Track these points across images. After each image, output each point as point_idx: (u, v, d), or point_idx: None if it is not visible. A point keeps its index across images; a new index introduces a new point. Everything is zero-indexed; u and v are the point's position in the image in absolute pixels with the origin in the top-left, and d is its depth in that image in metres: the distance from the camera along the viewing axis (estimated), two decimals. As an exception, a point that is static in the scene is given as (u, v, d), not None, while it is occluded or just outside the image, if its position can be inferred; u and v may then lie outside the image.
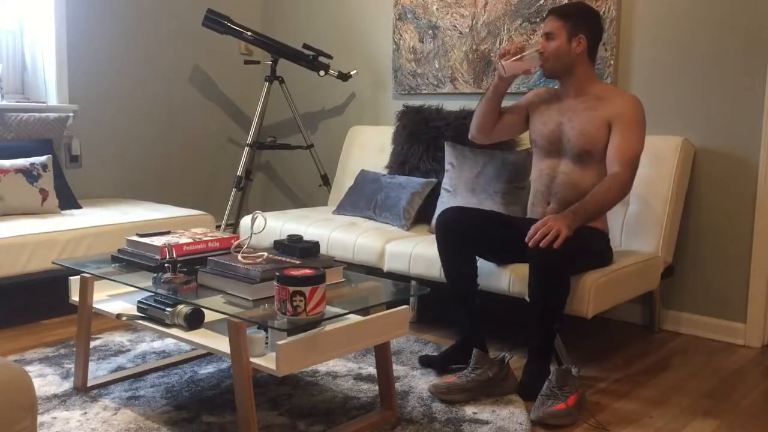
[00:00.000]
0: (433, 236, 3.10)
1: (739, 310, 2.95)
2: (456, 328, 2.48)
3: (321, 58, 4.02)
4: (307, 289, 1.73)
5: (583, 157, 2.53)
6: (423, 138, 3.51)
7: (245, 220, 3.43)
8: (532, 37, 3.36)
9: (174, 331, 2.02)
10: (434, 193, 3.32)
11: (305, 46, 4.03)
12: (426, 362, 2.55)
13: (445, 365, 2.51)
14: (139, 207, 3.67)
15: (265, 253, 2.10)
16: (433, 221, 3.23)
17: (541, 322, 2.34)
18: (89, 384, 2.32)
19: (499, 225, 2.58)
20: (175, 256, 2.18)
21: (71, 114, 3.78)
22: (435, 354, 2.61)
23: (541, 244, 2.24)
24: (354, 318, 1.96)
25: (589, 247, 2.50)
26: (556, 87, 2.73)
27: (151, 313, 2.09)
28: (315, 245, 2.17)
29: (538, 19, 3.40)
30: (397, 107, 3.78)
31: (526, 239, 2.29)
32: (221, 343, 1.90)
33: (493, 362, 2.33)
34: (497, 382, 2.32)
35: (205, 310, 2.01)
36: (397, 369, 2.52)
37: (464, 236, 2.50)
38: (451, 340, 2.88)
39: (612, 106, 2.51)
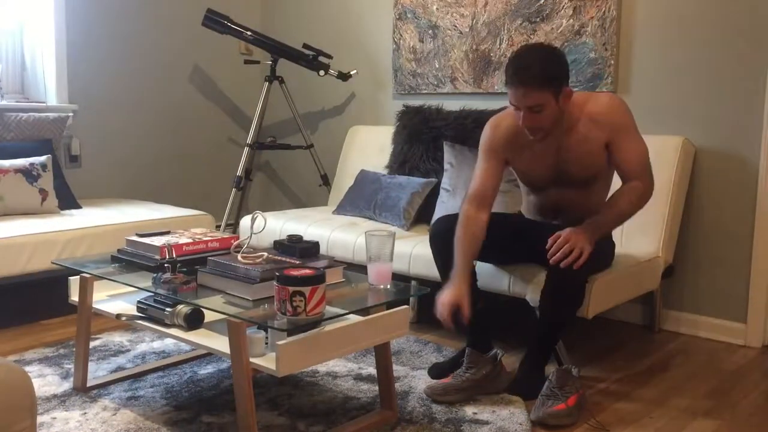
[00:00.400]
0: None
1: (739, 310, 2.95)
2: (461, 330, 2.45)
3: (321, 58, 4.02)
4: (307, 289, 1.73)
5: (589, 182, 2.41)
6: (423, 138, 3.51)
7: (245, 220, 3.43)
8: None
9: (174, 331, 2.01)
10: (434, 193, 3.32)
11: (305, 46, 4.02)
12: (437, 374, 2.44)
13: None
14: (138, 207, 3.67)
15: (265, 253, 2.10)
16: (433, 221, 3.23)
17: (548, 330, 2.35)
18: (89, 384, 2.32)
19: (497, 227, 2.43)
20: (174, 256, 2.18)
21: (71, 114, 3.78)
22: (441, 360, 2.56)
23: (562, 264, 2.16)
24: (354, 318, 1.96)
25: (600, 255, 2.44)
26: (516, 123, 2.32)
27: (151, 313, 2.08)
28: (315, 245, 2.16)
29: (538, 19, 3.39)
30: (397, 107, 3.78)
31: (548, 255, 2.19)
32: (221, 343, 1.89)
33: (486, 360, 2.33)
34: (491, 379, 2.32)
35: (204, 310, 2.01)
36: (397, 369, 2.51)
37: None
38: (451, 339, 2.88)
39: (601, 126, 2.29)
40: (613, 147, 2.32)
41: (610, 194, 2.45)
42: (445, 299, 2.21)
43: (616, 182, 2.39)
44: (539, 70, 2.16)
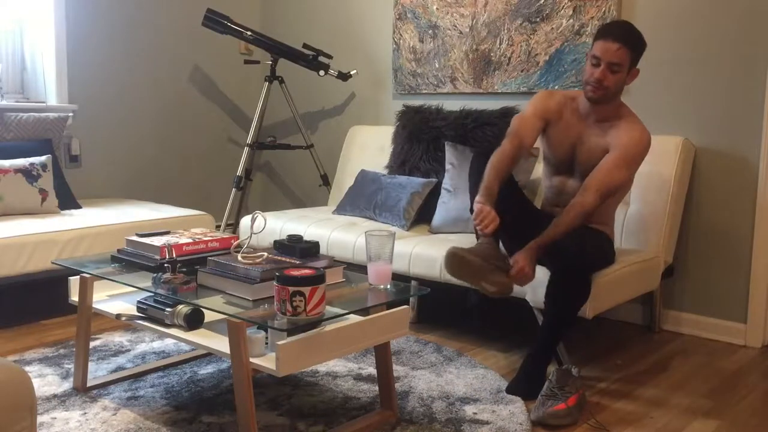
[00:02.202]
0: (433, 236, 3.12)
1: (739, 310, 2.95)
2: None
3: (321, 58, 4.02)
4: (306, 289, 1.73)
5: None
6: (423, 138, 3.51)
7: (245, 220, 3.43)
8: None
9: (174, 331, 2.01)
10: (434, 193, 3.32)
11: (305, 46, 4.02)
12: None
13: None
14: (138, 207, 3.67)
15: (265, 253, 2.10)
16: (434, 221, 3.23)
17: (552, 329, 2.36)
18: (89, 384, 2.32)
19: (517, 206, 2.54)
20: (174, 256, 2.18)
21: (71, 114, 3.78)
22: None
23: (518, 285, 2.35)
24: (354, 318, 1.96)
25: (600, 254, 2.51)
26: (568, 95, 2.61)
27: (151, 313, 2.08)
28: (315, 245, 2.16)
29: (538, 19, 3.39)
30: (397, 107, 3.78)
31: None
32: (221, 343, 1.89)
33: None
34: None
35: (204, 310, 2.01)
36: (397, 369, 2.51)
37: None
38: (450, 340, 2.88)
39: (617, 136, 2.45)
40: (608, 155, 2.44)
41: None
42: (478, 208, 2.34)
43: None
44: (637, 39, 2.43)
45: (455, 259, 2.34)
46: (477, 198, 2.38)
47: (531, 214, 2.59)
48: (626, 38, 2.39)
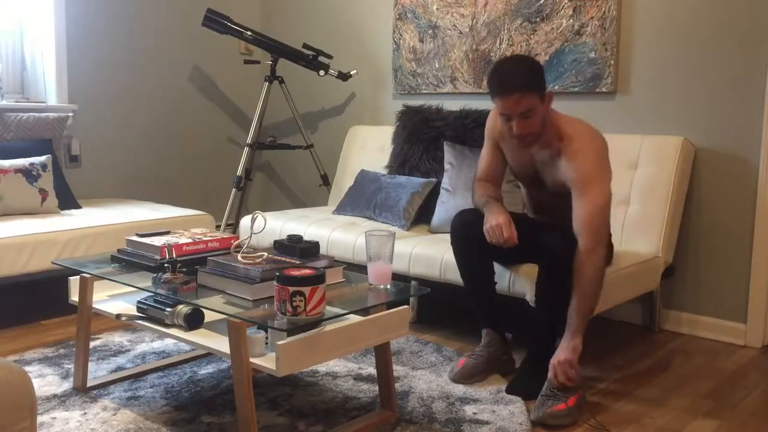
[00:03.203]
0: (433, 236, 3.11)
1: (739, 310, 2.95)
2: (477, 323, 2.56)
3: (321, 58, 4.02)
4: (306, 289, 1.73)
5: (565, 196, 2.38)
6: (423, 138, 3.52)
7: (245, 220, 3.43)
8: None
9: (174, 331, 2.01)
10: (434, 193, 3.32)
11: (305, 46, 4.02)
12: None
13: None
14: (138, 207, 3.67)
15: (265, 253, 2.10)
16: (433, 221, 3.23)
17: (547, 325, 2.35)
18: (89, 384, 2.32)
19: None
20: (174, 256, 2.18)
21: (71, 114, 3.78)
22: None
23: (567, 383, 2.20)
24: (354, 318, 1.96)
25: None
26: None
27: (151, 313, 2.08)
28: (315, 245, 2.16)
29: (538, 19, 3.39)
30: (397, 107, 3.78)
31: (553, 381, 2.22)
32: (221, 343, 1.90)
33: (500, 341, 2.51)
34: (504, 360, 2.51)
35: (204, 310, 2.01)
36: (397, 369, 2.51)
37: (481, 239, 2.39)
38: (450, 340, 2.88)
39: (569, 158, 2.30)
40: (573, 193, 2.29)
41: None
42: (495, 221, 2.30)
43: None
44: (528, 75, 2.25)
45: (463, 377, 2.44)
46: (492, 219, 2.31)
47: (520, 222, 2.56)
48: (520, 83, 2.23)
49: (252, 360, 1.79)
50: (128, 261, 2.27)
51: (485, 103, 3.54)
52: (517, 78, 2.24)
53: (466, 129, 3.39)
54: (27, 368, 2.48)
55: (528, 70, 2.27)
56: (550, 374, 2.22)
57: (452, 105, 3.62)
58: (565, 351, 2.21)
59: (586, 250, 2.22)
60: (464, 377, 2.42)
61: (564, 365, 2.19)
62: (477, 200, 2.50)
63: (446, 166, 3.30)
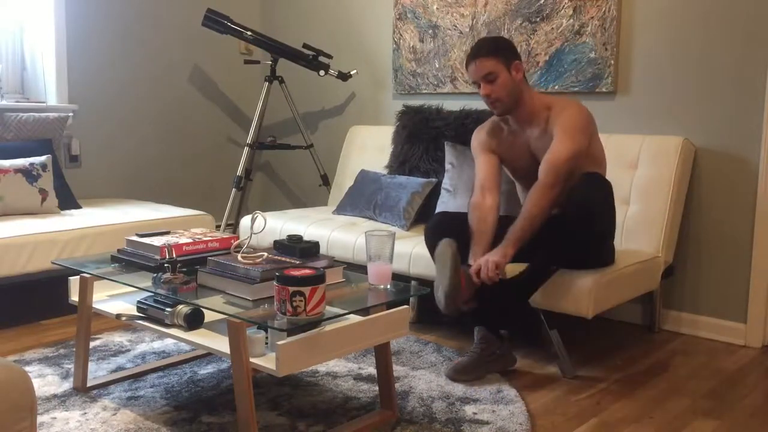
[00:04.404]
0: (433, 236, 3.12)
1: (739, 310, 2.95)
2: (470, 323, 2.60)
3: (321, 58, 4.02)
4: (306, 289, 1.73)
5: None
6: (423, 138, 3.51)
7: (245, 220, 3.43)
8: None
9: (174, 331, 2.01)
10: (434, 193, 3.32)
11: (305, 46, 4.02)
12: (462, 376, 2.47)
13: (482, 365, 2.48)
14: (138, 207, 3.67)
15: (265, 253, 2.10)
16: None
17: (534, 275, 2.44)
18: (89, 384, 2.32)
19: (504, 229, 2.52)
20: (174, 256, 2.18)
21: (71, 114, 3.78)
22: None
23: (487, 282, 2.35)
24: (354, 318, 1.96)
25: (606, 206, 2.51)
26: (494, 119, 2.68)
27: (151, 313, 2.08)
28: (315, 245, 2.16)
29: (538, 19, 3.39)
30: (397, 107, 3.78)
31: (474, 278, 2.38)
32: (221, 343, 1.90)
33: (494, 339, 2.51)
34: (502, 357, 2.52)
35: (204, 310, 2.01)
36: (397, 369, 2.52)
37: (459, 237, 2.44)
38: (450, 340, 2.88)
39: (554, 122, 2.49)
40: (554, 139, 2.47)
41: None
42: (490, 258, 2.36)
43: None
44: (491, 44, 2.53)
45: (456, 372, 2.46)
46: (485, 257, 2.39)
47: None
48: (480, 50, 2.49)
49: (252, 360, 1.79)
50: (128, 261, 2.27)
51: (485, 103, 3.54)
52: (483, 45, 2.52)
53: (466, 129, 3.38)
54: (27, 368, 2.48)
55: (492, 41, 2.56)
56: (473, 269, 2.36)
57: (452, 105, 3.62)
58: (496, 254, 2.36)
59: (545, 184, 2.41)
60: (457, 372, 2.43)
61: (491, 264, 2.33)
62: (470, 223, 2.56)
63: (447, 166, 3.30)
